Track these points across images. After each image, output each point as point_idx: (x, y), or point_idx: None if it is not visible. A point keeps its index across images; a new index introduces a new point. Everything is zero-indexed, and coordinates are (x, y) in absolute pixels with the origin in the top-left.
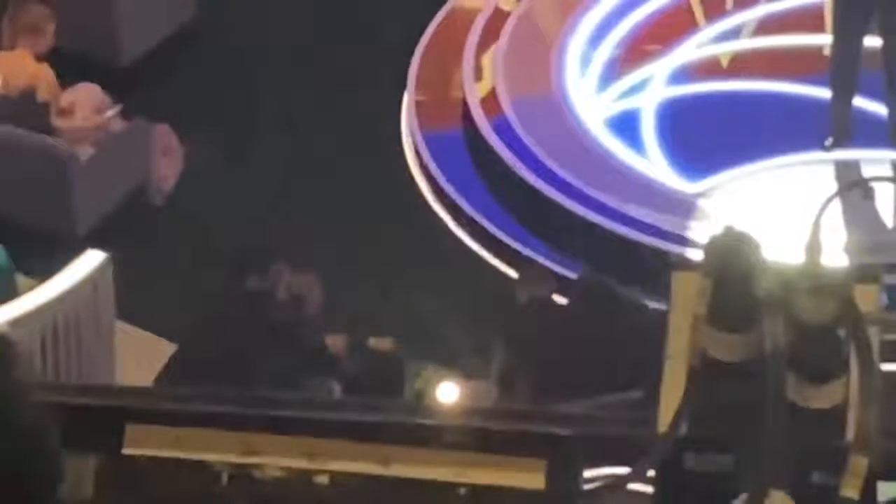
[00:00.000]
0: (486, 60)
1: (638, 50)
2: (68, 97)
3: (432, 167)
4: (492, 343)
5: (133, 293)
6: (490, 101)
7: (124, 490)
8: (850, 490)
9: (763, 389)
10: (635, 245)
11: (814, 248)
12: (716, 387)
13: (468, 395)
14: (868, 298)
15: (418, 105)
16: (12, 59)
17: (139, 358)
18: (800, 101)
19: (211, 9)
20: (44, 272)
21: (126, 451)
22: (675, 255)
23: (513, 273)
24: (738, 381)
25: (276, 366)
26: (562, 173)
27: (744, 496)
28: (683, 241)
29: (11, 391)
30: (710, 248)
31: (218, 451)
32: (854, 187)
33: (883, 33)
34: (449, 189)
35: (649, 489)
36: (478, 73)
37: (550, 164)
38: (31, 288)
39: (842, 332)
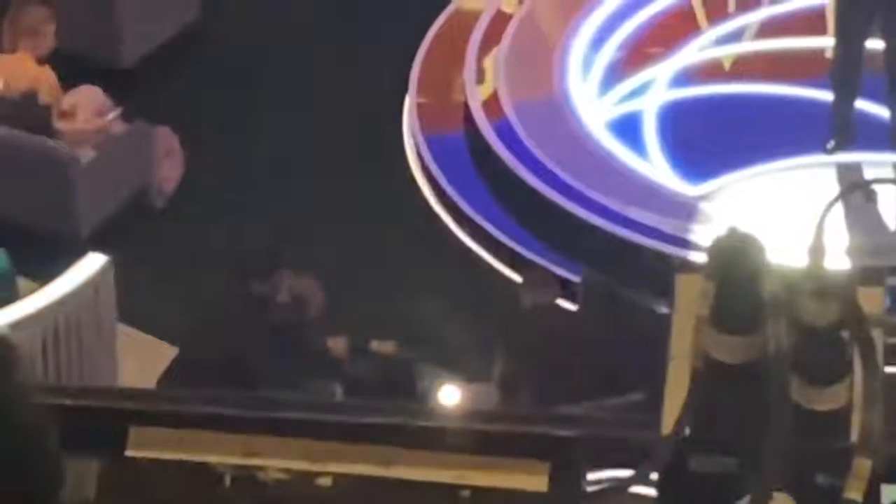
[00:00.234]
0: (488, 63)
1: (640, 52)
2: (70, 99)
3: (434, 169)
4: (493, 346)
5: (134, 296)
6: (492, 103)
7: (127, 492)
8: (854, 492)
9: (767, 392)
10: (637, 248)
11: (817, 250)
12: (719, 389)
13: (470, 397)
14: (871, 301)
15: (420, 107)
16: (14, 62)
17: (140, 361)
18: (802, 103)
19: (213, 11)
20: (45, 275)
21: (129, 453)
22: (678, 257)
23: (512, 274)
24: (742, 383)
25: (278, 368)
26: (563, 176)
27: (747, 498)
28: (685, 244)
29: (12, 394)
30: (713, 251)
31: (220, 454)
32: (856, 190)
33: (885, 36)
34: (450, 191)
35: (652, 492)
36: (480, 76)
37: (552, 166)
38: (32, 291)
39: (845, 335)
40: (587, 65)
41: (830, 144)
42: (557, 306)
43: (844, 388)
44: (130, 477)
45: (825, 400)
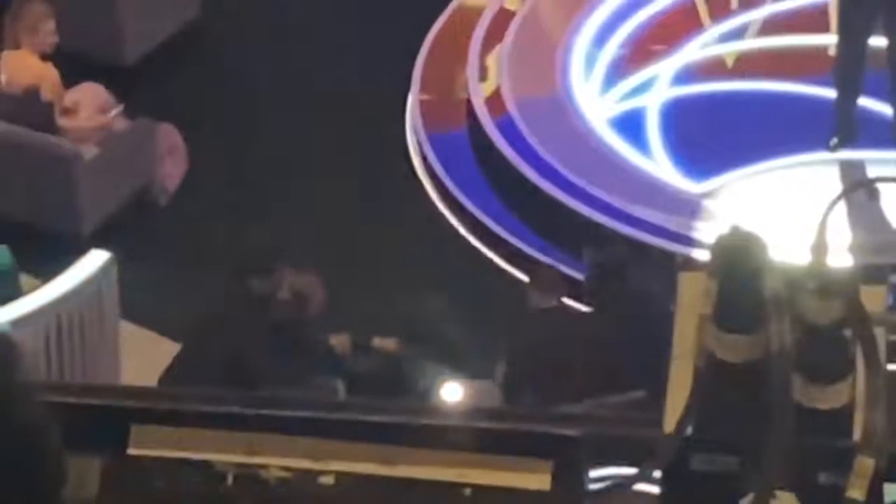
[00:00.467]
0: (491, 60)
1: (643, 50)
2: (72, 96)
3: (437, 166)
4: (496, 343)
5: (137, 293)
6: (495, 100)
7: (129, 491)
8: (856, 491)
9: (769, 390)
10: (642, 245)
11: (820, 248)
12: (721, 387)
13: (472, 394)
14: (874, 299)
15: (423, 104)
16: (16, 59)
17: (143, 357)
18: (805, 101)
19: (214, 8)
20: (48, 272)
21: (131, 451)
22: (681, 255)
23: (514, 270)
24: (744, 381)
25: (280, 366)
26: (566, 173)
27: (750, 497)
28: (688, 242)
29: (14, 392)
30: (716, 249)
31: (223, 452)
32: (859, 187)
33: (887, 33)
34: (453, 188)
35: (655, 489)
36: (482, 73)
37: (555, 163)
38: (34, 288)
39: (848, 333)
40: (590, 62)
41: (833, 142)
42: (565, 306)
43: (847, 386)
44: (132, 475)
45: (827, 398)
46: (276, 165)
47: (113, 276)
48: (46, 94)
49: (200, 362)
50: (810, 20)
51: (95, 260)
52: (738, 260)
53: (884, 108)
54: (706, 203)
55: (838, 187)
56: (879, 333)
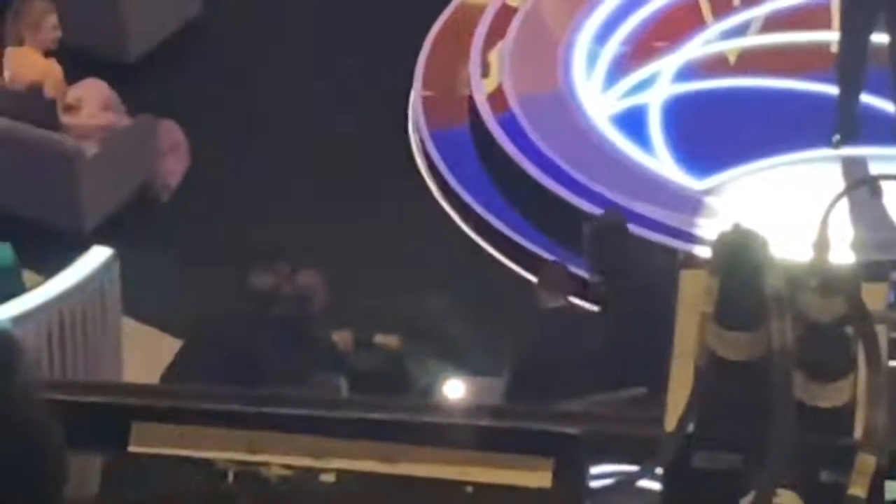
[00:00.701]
0: (493, 56)
1: (645, 46)
2: (75, 93)
3: (439, 163)
4: (498, 340)
5: (139, 289)
6: (497, 97)
7: (130, 488)
8: (858, 489)
9: (770, 388)
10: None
11: (821, 245)
12: (723, 385)
13: (474, 391)
14: (876, 296)
15: (425, 101)
16: (19, 56)
17: (145, 354)
18: (807, 97)
19: (216, 5)
20: (50, 268)
21: (132, 448)
22: (683, 252)
23: (514, 266)
24: (746, 379)
25: (282, 362)
26: (568, 169)
27: (752, 495)
28: (690, 239)
29: (15, 390)
30: (717, 246)
31: (224, 450)
32: (861, 184)
33: (889, 30)
34: (455, 185)
35: (657, 486)
36: (485, 70)
37: (557, 160)
38: (37, 284)
39: (849, 330)
40: (592, 58)
41: (836, 138)
42: (573, 305)
43: (848, 384)
44: (133, 473)
45: (829, 396)
46: (277, 162)
47: (115, 272)
48: (49, 91)
49: (203, 359)
50: (812, 17)
51: (98, 256)
52: (740, 257)
53: (886, 105)
54: (708, 200)
55: (840, 184)
56: (881, 331)
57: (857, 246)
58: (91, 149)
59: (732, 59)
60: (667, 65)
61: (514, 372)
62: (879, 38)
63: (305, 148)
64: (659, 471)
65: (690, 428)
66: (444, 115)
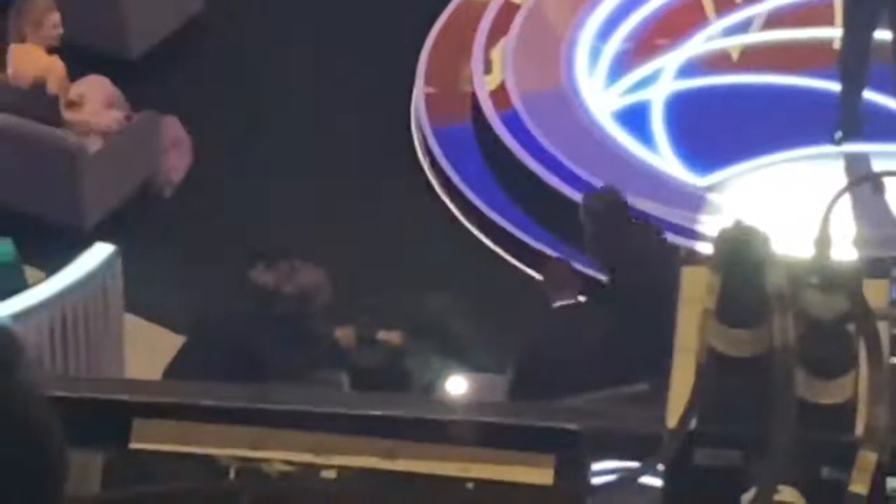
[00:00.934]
0: (496, 53)
1: (648, 43)
2: (78, 89)
3: (441, 160)
4: (501, 339)
5: (142, 285)
6: (499, 94)
7: (131, 485)
8: (859, 486)
9: (772, 385)
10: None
11: (823, 242)
12: (724, 382)
13: (477, 388)
14: (878, 293)
15: (428, 98)
16: (23, 52)
17: (147, 350)
18: (810, 94)
19: (218, 1)
20: (52, 264)
21: (133, 445)
22: (685, 248)
23: (517, 262)
24: (747, 376)
25: (285, 359)
26: (571, 166)
27: (753, 491)
28: (693, 235)
29: (16, 386)
30: (718, 243)
31: (225, 446)
32: (864, 181)
33: (892, 26)
34: (458, 181)
35: (658, 483)
36: (487, 66)
37: (559, 156)
38: (39, 280)
39: (851, 327)
40: (595, 55)
41: (838, 135)
42: (580, 303)
43: (850, 381)
44: (134, 469)
45: (831, 393)
46: (279, 158)
47: (117, 268)
48: (52, 88)
49: (205, 356)
50: (815, 13)
51: (100, 252)
52: (741, 254)
53: (889, 102)
54: (710, 196)
55: (842, 181)
56: (883, 328)
57: (859, 242)
58: (93, 145)
59: (735, 55)
60: (669, 61)
61: (517, 369)
62: (882, 34)
63: (308, 144)
64: (661, 467)
65: (692, 425)
66: (446, 111)
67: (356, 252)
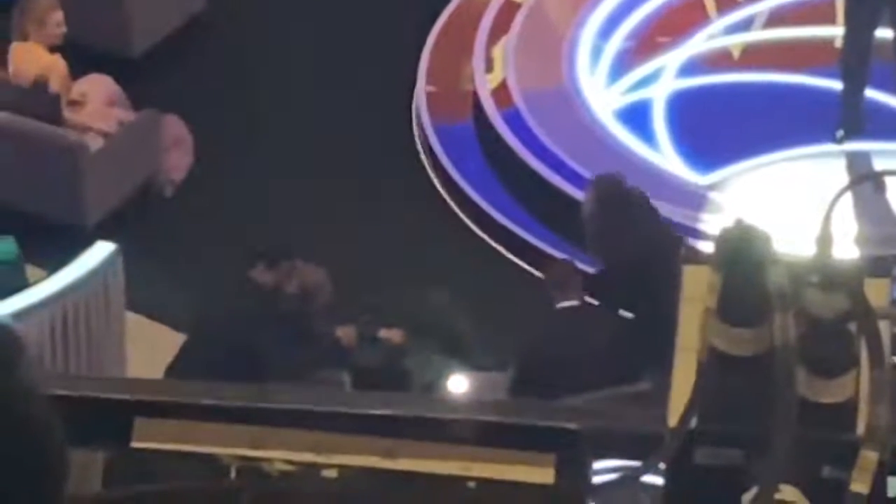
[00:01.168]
0: (497, 52)
1: (649, 41)
2: (80, 88)
3: (443, 158)
4: (503, 337)
5: (143, 283)
6: (501, 92)
7: (132, 484)
8: (860, 485)
9: (773, 384)
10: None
11: (825, 240)
12: (725, 381)
13: (478, 387)
14: (879, 292)
15: (429, 96)
16: (24, 51)
17: (148, 349)
18: (811, 92)
19: (220, 0)
20: (54, 263)
21: (134, 444)
22: (687, 247)
23: (518, 261)
24: (748, 375)
25: (286, 358)
26: (572, 165)
27: (754, 490)
28: (694, 233)
29: (16, 384)
30: (719, 242)
31: (226, 445)
32: (866, 179)
33: (894, 25)
34: (459, 180)
35: (659, 481)
36: (489, 65)
37: (561, 155)
38: (40, 279)
39: (852, 326)
40: (596, 54)
41: (840, 134)
42: (585, 304)
43: (851, 380)
44: (135, 468)
45: (832, 392)
46: (280, 158)
47: (118, 267)
48: (54, 86)
49: (206, 355)
50: (816, 12)
51: (101, 251)
52: (742, 253)
53: (890, 100)
54: (712, 195)
55: (844, 180)
56: (884, 327)
57: (860, 241)
58: (95, 144)
59: (736, 54)
60: (671, 60)
61: (519, 370)
62: (883, 33)
63: (309, 143)
64: (662, 466)
65: (693, 423)
66: (447, 110)
67: (357, 251)
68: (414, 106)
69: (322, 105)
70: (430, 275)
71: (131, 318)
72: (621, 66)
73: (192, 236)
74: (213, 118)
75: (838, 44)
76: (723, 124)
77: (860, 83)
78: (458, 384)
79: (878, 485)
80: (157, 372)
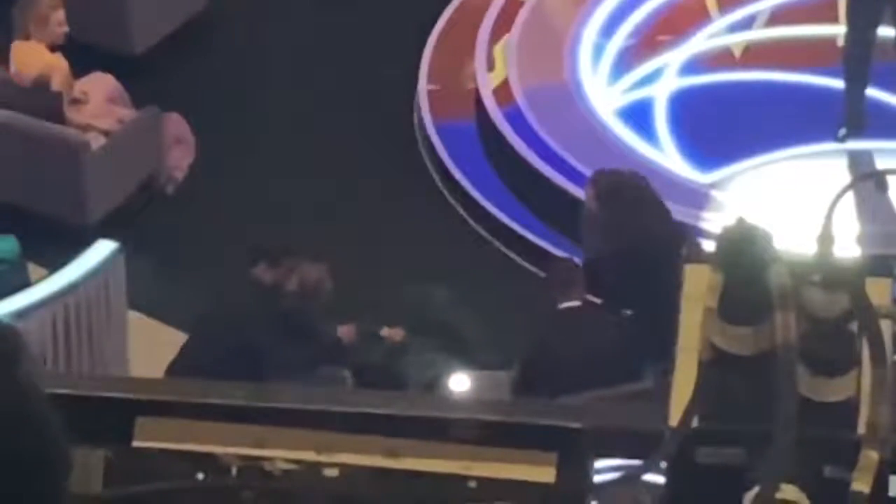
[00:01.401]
0: (499, 50)
1: (651, 40)
2: (82, 86)
3: (444, 157)
4: (504, 335)
5: (144, 282)
6: (503, 90)
7: (134, 483)
8: (861, 484)
9: (775, 383)
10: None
11: (826, 239)
12: (727, 380)
13: (479, 386)
14: (880, 291)
15: (431, 94)
16: (26, 49)
17: (150, 347)
18: (813, 91)
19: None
20: (55, 261)
21: (136, 443)
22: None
23: (520, 259)
24: (750, 374)
25: (288, 356)
26: (574, 163)
27: (755, 490)
28: (696, 232)
29: (18, 384)
30: (720, 241)
31: (228, 444)
32: (867, 178)
33: (895, 24)
34: (461, 178)
35: (661, 480)
36: (490, 63)
37: (563, 153)
38: (42, 277)
39: (854, 325)
40: (598, 52)
41: (842, 132)
42: (587, 305)
43: (852, 379)
44: (137, 467)
45: (833, 391)
46: (282, 156)
47: (120, 265)
48: (56, 85)
49: (207, 353)
50: (818, 10)
51: (103, 249)
52: (744, 252)
53: (892, 99)
54: (713, 193)
55: (846, 178)
56: (885, 326)
57: (862, 240)
58: (96, 142)
59: (738, 52)
60: (673, 58)
61: (520, 371)
62: (885, 31)
63: (310, 141)
64: (663, 465)
65: (695, 422)
66: (449, 108)
67: (358, 249)
68: (415, 104)
69: (323, 102)
70: (431, 273)
71: (133, 316)
72: (623, 64)
73: (193, 234)
74: (215, 116)
75: (840, 42)
76: (724, 123)
77: (862, 82)
78: (459, 383)
79: (880, 484)
80: (158, 370)
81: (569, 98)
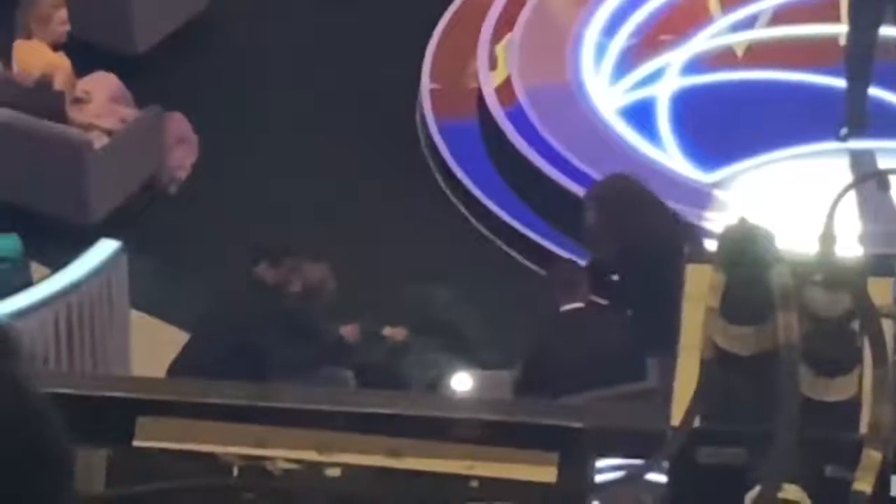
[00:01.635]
0: (501, 49)
1: (653, 40)
2: (84, 85)
3: (446, 156)
4: (506, 335)
5: (147, 281)
6: (505, 90)
7: (135, 482)
8: (863, 484)
9: (776, 383)
10: None
11: (828, 239)
12: (728, 380)
13: (481, 385)
14: (882, 290)
15: (433, 93)
16: (29, 49)
17: (152, 346)
18: (815, 90)
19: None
20: (58, 260)
21: (137, 443)
22: (690, 245)
23: (522, 259)
24: (752, 374)
25: (290, 356)
26: (576, 162)
27: (757, 489)
28: (699, 231)
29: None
30: (722, 240)
31: (229, 444)
32: (870, 177)
33: None
34: (463, 177)
35: (662, 480)
36: (493, 62)
37: (565, 153)
38: (44, 276)
39: (855, 325)
40: (600, 51)
41: (844, 132)
42: (590, 307)
43: (854, 378)
44: (138, 467)
45: (835, 391)
46: (284, 156)
47: (123, 264)
48: (58, 84)
49: (209, 353)
50: (820, 10)
51: (105, 249)
52: (746, 251)
53: (894, 99)
54: (716, 193)
55: (848, 178)
56: (887, 325)
57: (864, 239)
58: (99, 141)
59: (740, 52)
60: (675, 58)
61: (522, 372)
62: (887, 31)
63: (311, 141)
64: (665, 465)
65: (696, 422)
66: (451, 108)
67: (360, 249)
68: (418, 103)
69: (325, 102)
70: (433, 273)
71: (135, 315)
72: (625, 63)
73: (195, 234)
74: (217, 116)
75: (842, 42)
76: (726, 122)
77: (864, 81)
78: (461, 382)
79: (882, 483)
80: (160, 369)
81: (571, 97)
